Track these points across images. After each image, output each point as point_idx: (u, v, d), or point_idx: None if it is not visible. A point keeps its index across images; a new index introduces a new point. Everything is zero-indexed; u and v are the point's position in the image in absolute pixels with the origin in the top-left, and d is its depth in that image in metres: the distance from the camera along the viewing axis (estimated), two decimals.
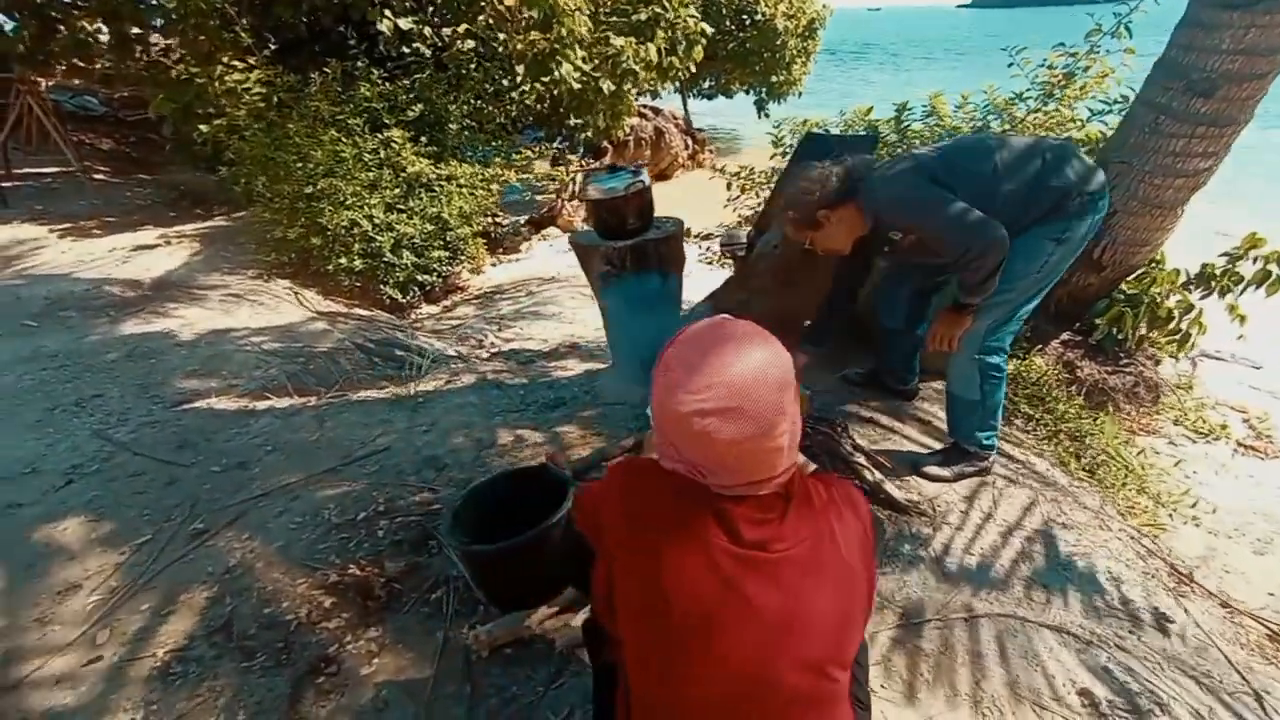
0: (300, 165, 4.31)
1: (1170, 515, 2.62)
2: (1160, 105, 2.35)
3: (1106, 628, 1.62)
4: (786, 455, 0.89)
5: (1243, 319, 2.81)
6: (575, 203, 6.69)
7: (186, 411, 2.66)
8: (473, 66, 5.44)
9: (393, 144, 4.59)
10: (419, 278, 4.69)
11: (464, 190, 4.84)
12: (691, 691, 0.85)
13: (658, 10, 5.82)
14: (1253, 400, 3.73)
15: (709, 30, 6.30)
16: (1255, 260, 2.77)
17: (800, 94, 11.54)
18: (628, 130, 7.81)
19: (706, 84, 11.96)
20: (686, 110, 11.58)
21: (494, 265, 5.78)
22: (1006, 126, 3.17)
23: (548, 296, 5.14)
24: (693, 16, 6.06)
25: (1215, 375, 3.71)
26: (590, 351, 3.55)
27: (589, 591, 1.12)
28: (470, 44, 5.40)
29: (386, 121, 4.80)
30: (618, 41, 5.38)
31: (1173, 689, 1.47)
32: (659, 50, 5.72)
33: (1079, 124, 2.93)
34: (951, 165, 1.75)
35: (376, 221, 4.36)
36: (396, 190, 4.54)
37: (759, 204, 3.73)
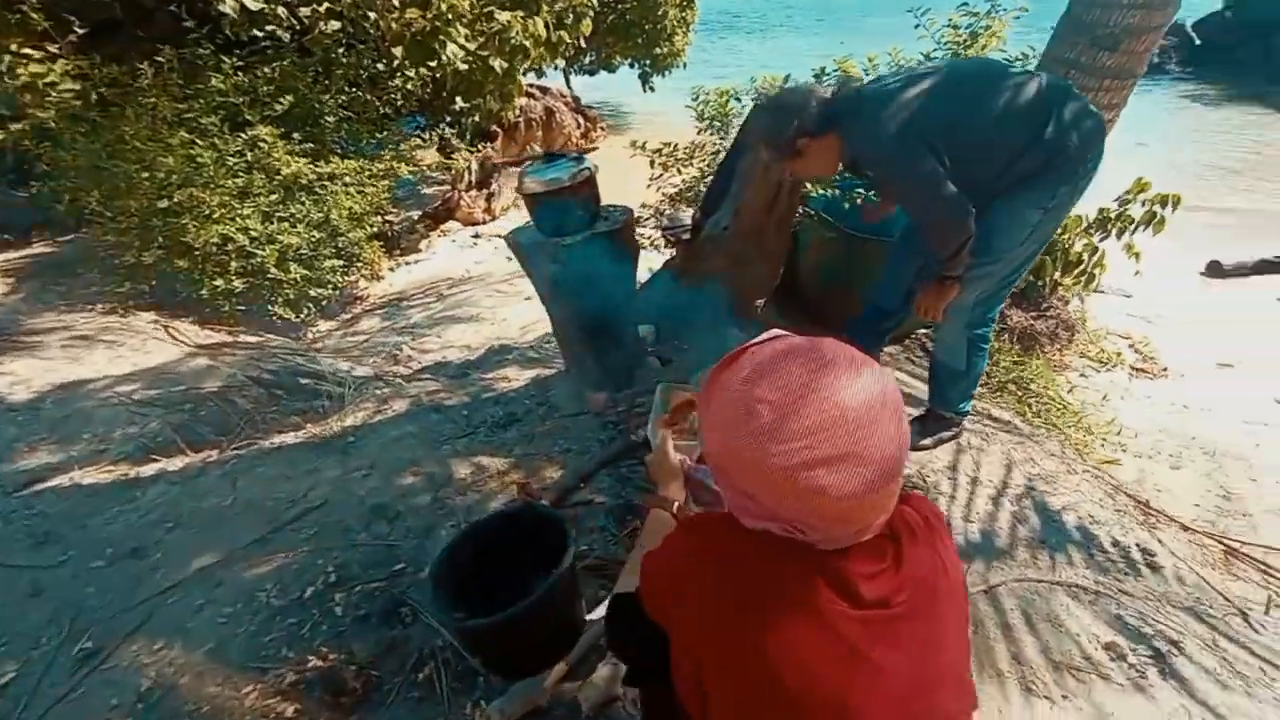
0: (147, 175, 3.64)
1: (1101, 445, 2.82)
2: (1070, 60, 2.45)
3: (1107, 575, 1.67)
4: (899, 490, 0.76)
5: (1138, 256, 3.05)
6: (474, 193, 6.25)
7: (40, 495, 2.15)
8: (341, 51, 4.85)
9: (261, 143, 3.98)
10: (312, 292, 4.16)
11: (351, 189, 4.33)
12: None
13: None
14: (1133, 327, 4.15)
15: (596, 2, 6.02)
16: (1143, 204, 3.01)
17: (684, 65, 11.48)
18: (518, 112, 7.39)
19: (588, 59, 11.62)
20: (570, 87, 11.20)
21: (393, 270, 5.27)
22: None
23: (461, 298, 4.77)
24: None
25: (1098, 307, 4.07)
26: (526, 356, 3.29)
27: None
28: (335, 25, 4.80)
29: (249, 118, 4.17)
30: (503, 17, 4.99)
31: (1177, 624, 1.54)
32: (546, 24, 5.38)
33: None
34: (950, 117, 1.61)
35: (254, 234, 3.78)
36: (273, 196, 3.96)
37: (686, 181, 3.59)
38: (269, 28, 4.69)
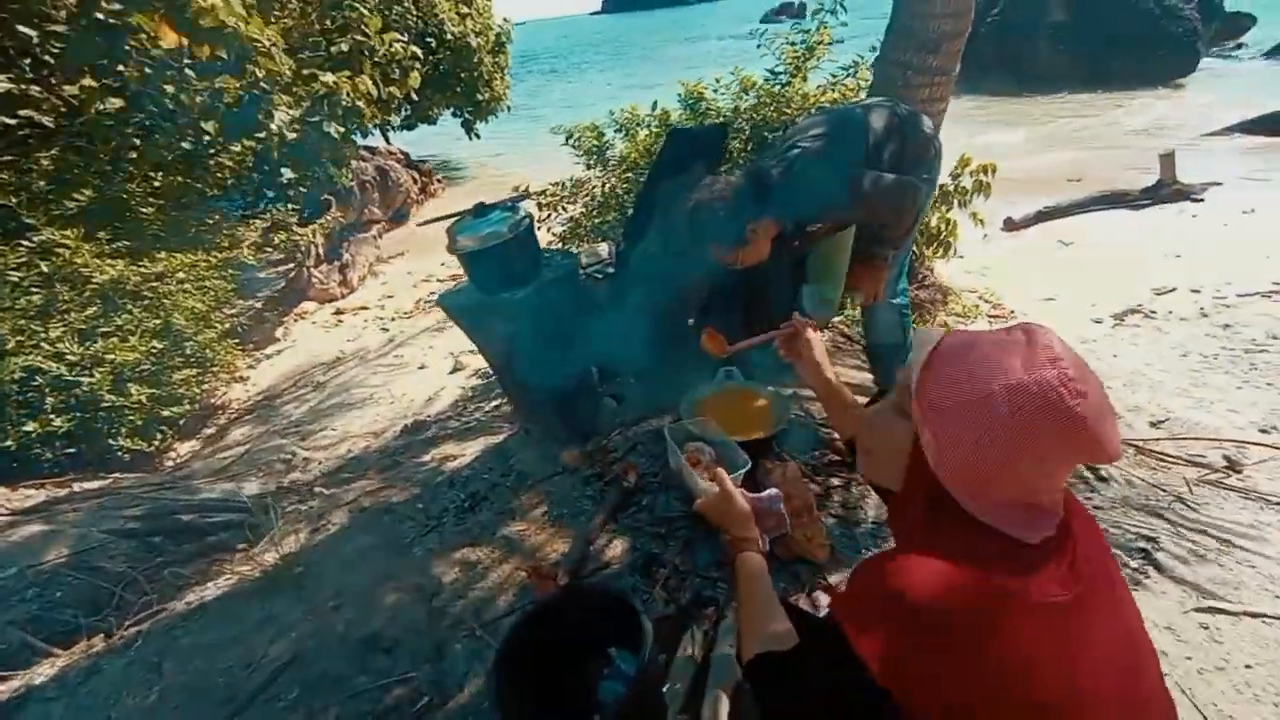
0: None
1: None
2: (904, 62, 2.79)
3: (1079, 495, 1.87)
4: None
5: (982, 221, 3.54)
6: (324, 267, 5.70)
7: None
8: (130, 130, 4.18)
9: (58, 250, 3.30)
10: (164, 412, 3.50)
11: (189, 286, 3.73)
12: None
13: (359, 39, 5.15)
14: (974, 281, 4.80)
15: (420, 53, 5.82)
16: (971, 175, 3.50)
17: (509, 109, 11.51)
18: (351, 176, 6.91)
19: (404, 114, 11.21)
20: (388, 143, 10.73)
21: (253, 367, 4.62)
22: (768, 102, 3.50)
23: (343, 381, 4.30)
24: (399, 41, 5.52)
25: (944, 270, 4.66)
26: (451, 428, 3.03)
27: None
28: (117, 103, 4.14)
29: (30, 220, 3.43)
30: (328, 78, 4.63)
31: (1146, 524, 1.77)
32: (375, 81, 5.08)
33: (829, 87, 3.35)
34: (845, 134, 1.80)
35: (71, 359, 3.11)
36: (89, 310, 3.29)
37: (573, 218, 3.56)
38: (23, 112, 3.92)
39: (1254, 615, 1.58)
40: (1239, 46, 13.85)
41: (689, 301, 2.71)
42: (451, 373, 4.05)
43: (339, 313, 5.43)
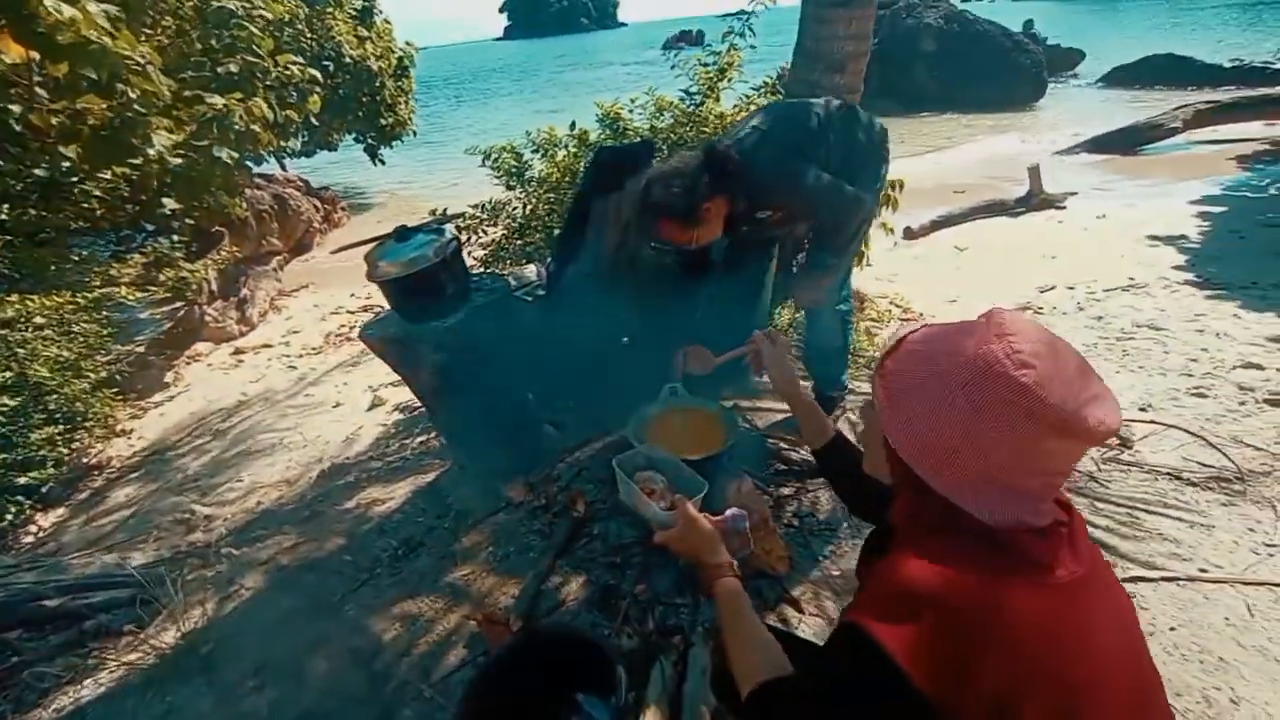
0: None
1: None
2: (813, 81, 2.92)
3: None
4: None
5: (891, 230, 3.75)
6: (219, 304, 5.21)
7: None
8: None
9: None
10: (19, 481, 3.04)
11: (51, 332, 3.28)
12: None
13: (250, 60, 4.80)
14: (884, 287, 5.06)
15: (319, 76, 5.51)
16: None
17: (414, 133, 11.16)
18: (245, 206, 6.41)
19: (302, 139, 10.61)
20: (284, 170, 10.11)
21: (136, 418, 4.11)
22: (684, 122, 3.56)
23: (247, 428, 3.92)
24: (296, 62, 5.20)
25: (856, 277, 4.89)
26: (373, 470, 2.80)
27: None
28: None
29: None
30: (217, 100, 4.27)
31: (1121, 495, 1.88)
32: (270, 104, 4.75)
33: (742, 107, 3.46)
34: (801, 130, 1.83)
35: None
36: None
37: (494, 240, 3.45)
38: None
39: (1169, 579, 1.71)
40: (1074, 76, 15.75)
41: (623, 321, 2.68)
42: (370, 409, 3.79)
43: (239, 352, 4.97)
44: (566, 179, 3.26)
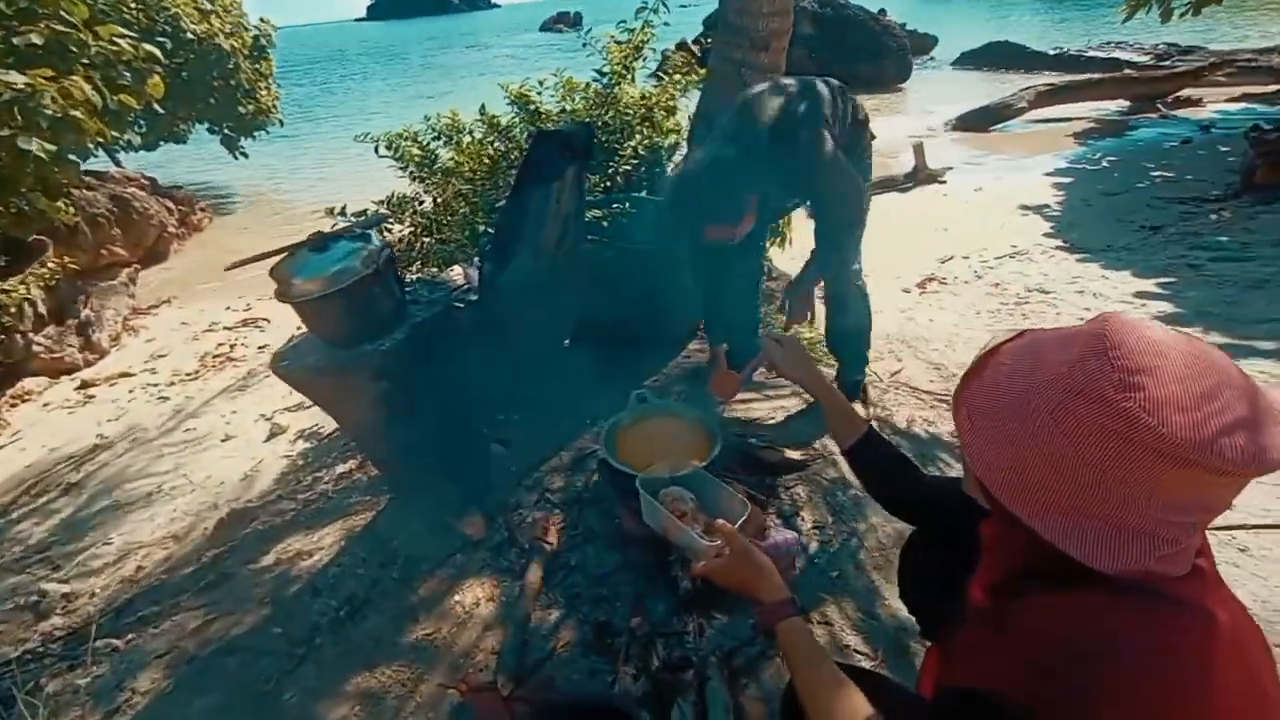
0: None
1: None
2: (739, 60, 2.83)
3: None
4: None
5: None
6: (52, 330, 4.35)
7: None
8: None
9: None
10: None
11: None
12: None
13: (59, 29, 3.96)
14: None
15: (158, 53, 4.68)
16: None
17: (281, 123, 10.03)
18: (74, 209, 5.41)
19: (139, 131, 9.20)
20: (119, 165, 8.72)
21: None
22: (600, 104, 3.37)
23: (113, 475, 3.31)
24: (124, 35, 4.38)
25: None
26: (289, 515, 2.42)
27: None
28: None
29: None
30: (14, 78, 3.50)
31: None
32: (97, 87, 3.97)
33: (665, 85, 3.32)
34: (824, 106, 1.79)
35: None
36: None
37: (403, 238, 3.09)
38: None
39: None
40: (931, 59, 17.06)
41: (569, 321, 2.49)
42: (268, 439, 3.31)
43: (87, 386, 4.17)
44: (483, 167, 2.97)
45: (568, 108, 3.43)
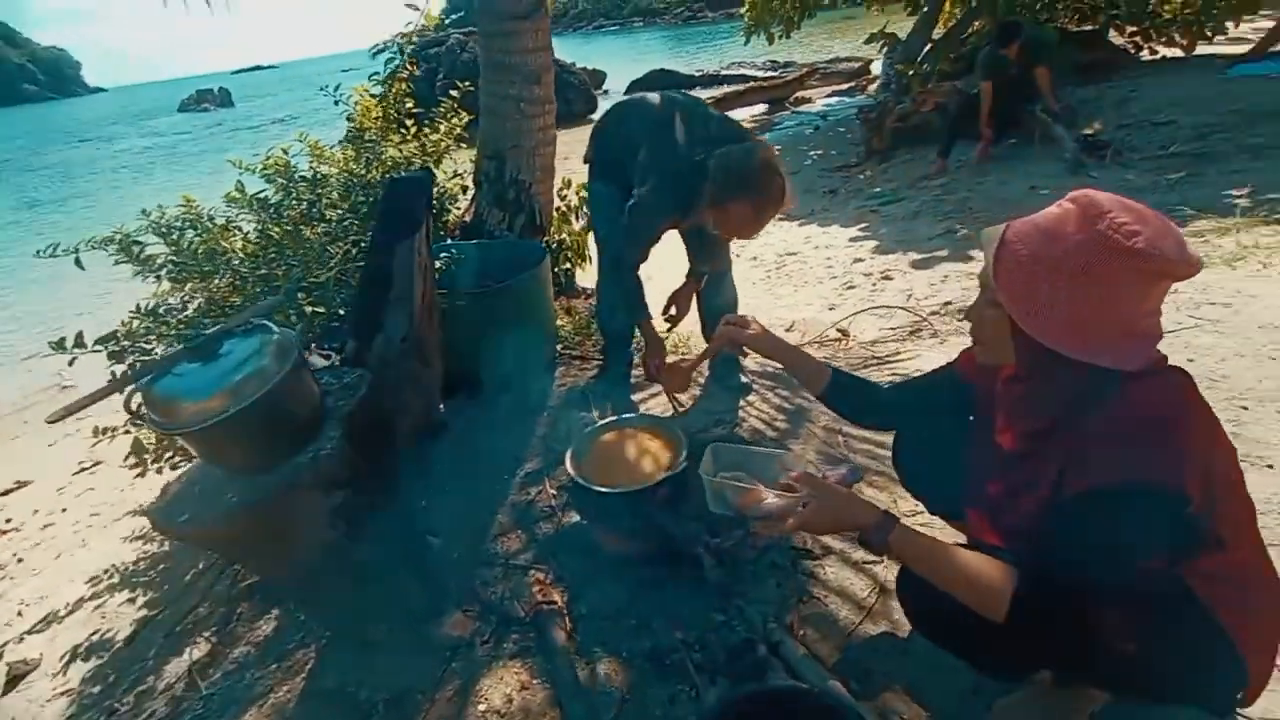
0: None
1: None
2: (515, 96, 2.90)
3: None
4: None
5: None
6: None
7: None
8: None
9: None
10: None
11: None
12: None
13: None
14: None
15: None
16: (575, 193, 3.92)
17: None
18: None
19: None
20: None
21: None
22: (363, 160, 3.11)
23: None
24: None
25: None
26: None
27: None
28: None
29: None
30: None
31: None
32: None
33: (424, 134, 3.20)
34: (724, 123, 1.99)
35: None
36: None
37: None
38: None
39: None
40: (606, 92, 19.19)
41: (438, 382, 2.28)
42: (6, 692, 2.30)
43: None
44: (257, 250, 2.53)
45: (324, 171, 3.10)
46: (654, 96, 2.19)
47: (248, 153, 3.18)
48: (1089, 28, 7.93)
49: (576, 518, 1.86)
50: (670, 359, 2.24)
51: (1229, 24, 7.01)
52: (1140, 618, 0.91)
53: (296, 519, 1.14)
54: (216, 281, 2.49)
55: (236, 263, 2.48)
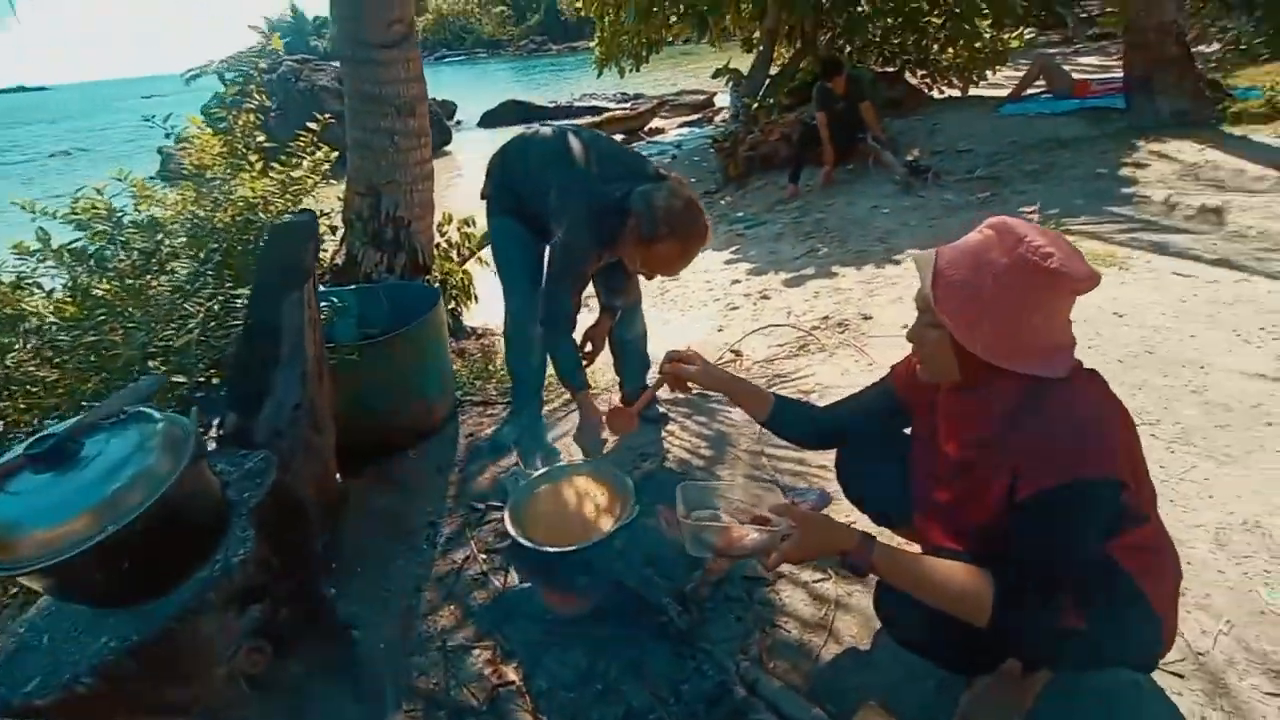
0: None
1: None
2: (389, 129, 2.70)
3: None
4: None
5: (486, 263, 3.83)
6: None
7: None
8: None
9: None
10: None
11: None
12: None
13: None
14: None
15: None
16: (457, 229, 3.74)
17: None
18: None
19: None
20: None
21: None
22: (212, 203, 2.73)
23: None
24: None
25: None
26: None
27: None
28: None
29: None
30: None
31: None
32: None
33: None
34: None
35: None
36: None
37: None
38: None
39: None
40: (459, 123, 18.75)
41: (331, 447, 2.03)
42: None
43: None
44: (78, 312, 2.09)
45: (158, 215, 2.66)
46: (549, 130, 2.14)
47: (28, 193, 2.67)
48: (890, 69, 9.14)
49: (514, 580, 1.72)
50: (602, 406, 2.20)
51: (989, 72, 8.50)
52: (1086, 596, 1.01)
53: (201, 651, 0.92)
54: (15, 354, 2.02)
55: (46, 328, 2.04)
